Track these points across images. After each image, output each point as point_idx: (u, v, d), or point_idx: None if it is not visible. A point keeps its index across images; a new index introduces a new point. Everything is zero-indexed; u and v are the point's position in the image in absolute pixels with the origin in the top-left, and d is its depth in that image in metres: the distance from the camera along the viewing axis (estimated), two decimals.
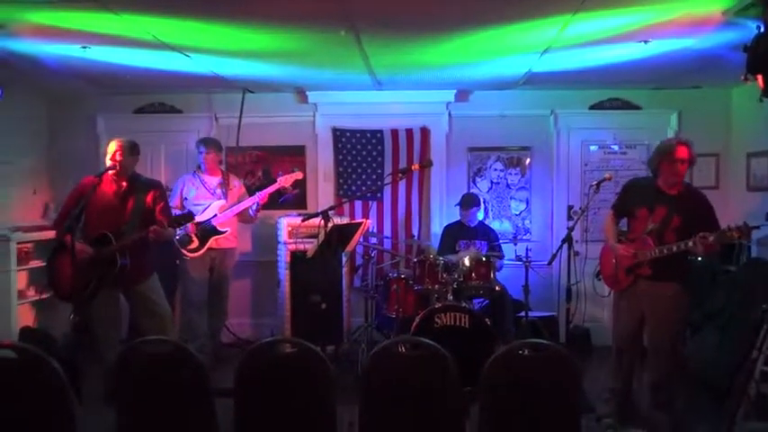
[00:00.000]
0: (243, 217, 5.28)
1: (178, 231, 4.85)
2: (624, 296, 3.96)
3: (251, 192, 5.42)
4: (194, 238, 4.99)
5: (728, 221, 3.63)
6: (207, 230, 5.02)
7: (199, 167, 5.29)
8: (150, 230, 3.97)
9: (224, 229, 5.09)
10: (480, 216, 5.69)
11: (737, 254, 5.08)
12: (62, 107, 6.13)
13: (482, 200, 5.78)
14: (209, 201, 5.11)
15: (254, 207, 5.20)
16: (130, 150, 4.16)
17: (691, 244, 3.54)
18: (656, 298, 3.76)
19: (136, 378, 2.69)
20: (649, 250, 3.73)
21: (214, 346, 5.31)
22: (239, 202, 5.19)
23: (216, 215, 5.05)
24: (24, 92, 5.59)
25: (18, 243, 5.20)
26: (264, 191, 5.18)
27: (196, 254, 5.04)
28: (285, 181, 5.25)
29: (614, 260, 3.95)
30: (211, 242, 5.06)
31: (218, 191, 5.20)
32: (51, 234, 4.46)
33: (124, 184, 4.17)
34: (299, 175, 5.35)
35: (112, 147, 4.13)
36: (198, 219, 4.91)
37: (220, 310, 5.39)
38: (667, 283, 3.75)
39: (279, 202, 5.64)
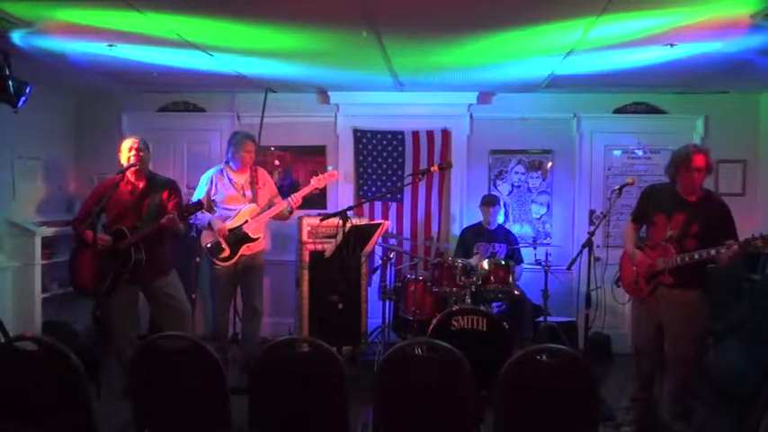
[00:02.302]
0: (277, 216, 4.97)
1: (209, 241, 4.79)
2: (643, 303, 3.91)
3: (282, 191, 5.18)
4: (225, 246, 4.75)
5: (754, 229, 3.56)
6: (239, 238, 4.76)
7: (227, 163, 4.95)
8: (164, 219, 4.01)
9: (256, 236, 4.83)
10: (500, 219, 5.66)
11: (762, 263, 4.98)
12: (88, 105, 6.23)
13: (502, 203, 5.75)
14: (240, 205, 4.83)
15: (289, 209, 4.90)
16: (146, 146, 4.23)
17: (714, 252, 3.48)
18: (675, 305, 3.71)
19: (152, 373, 2.72)
20: (672, 258, 3.67)
21: (248, 350, 5.01)
22: (270, 205, 4.90)
23: (247, 221, 4.78)
24: (52, 89, 5.69)
25: (43, 237, 5.29)
26: (298, 193, 4.88)
27: (228, 263, 4.78)
28: (319, 182, 4.93)
29: (634, 268, 3.91)
30: (243, 248, 4.81)
31: (248, 192, 4.90)
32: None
33: (141, 183, 4.23)
34: (334, 175, 5.01)
35: (129, 144, 4.17)
36: (229, 225, 4.76)
37: (253, 313, 5.08)
38: (686, 290, 3.69)
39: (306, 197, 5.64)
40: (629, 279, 3.96)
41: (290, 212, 4.98)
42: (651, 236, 3.93)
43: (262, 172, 5.09)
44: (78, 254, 4.18)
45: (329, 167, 5.09)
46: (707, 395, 4.36)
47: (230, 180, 4.91)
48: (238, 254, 4.80)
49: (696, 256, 3.56)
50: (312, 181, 4.93)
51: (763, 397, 3.51)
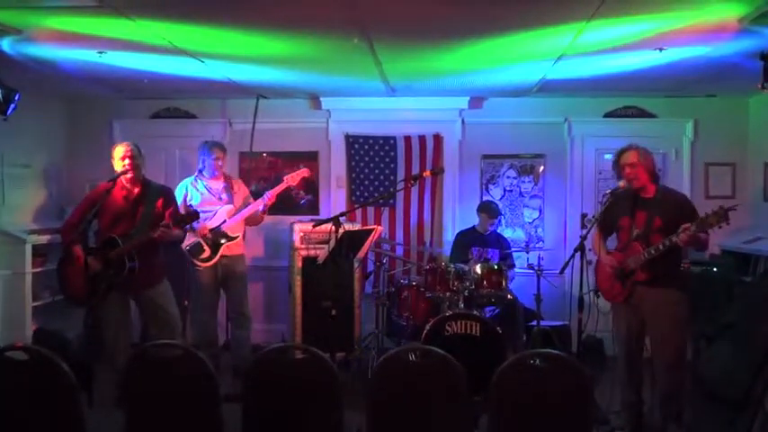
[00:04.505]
0: (250, 219, 5.11)
1: (189, 242, 4.81)
2: (623, 307, 3.91)
3: (259, 194, 5.26)
4: (206, 247, 4.84)
5: (744, 232, 3.58)
6: (218, 237, 4.87)
7: (200, 172, 5.06)
8: (156, 233, 3.99)
9: (234, 235, 4.94)
10: None
11: (754, 264, 5.01)
12: (79, 112, 6.20)
13: None
14: (217, 207, 4.94)
15: (262, 207, 5.02)
16: (139, 152, 4.20)
17: (675, 239, 3.53)
18: (656, 305, 3.73)
19: (145, 382, 2.70)
20: (639, 255, 3.72)
21: (240, 356, 5.05)
22: (246, 206, 5.03)
23: (225, 221, 4.90)
24: (42, 96, 5.66)
25: (34, 246, 5.25)
26: (272, 191, 4.99)
27: (209, 263, 4.86)
28: (291, 179, 5.08)
29: (609, 270, 3.92)
30: (223, 249, 4.90)
31: (224, 195, 5.03)
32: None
33: (136, 189, 4.20)
34: (304, 172, 5.15)
35: (121, 150, 4.13)
36: (209, 225, 4.84)
37: (243, 319, 5.15)
38: (665, 289, 3.72)
39: (300, 203, 5.62)
40: (606, 285, 3.97)
41: (264, 212, 5.07)
42: (620, 240, 3.97)
43: (236, 180, 5.29)
44: (67, 263, 4.13)
45: (300, 166, 5.27)
46: (698, 397, 4.37)
47: (205, 186, 5.04)
48: (219, 254, 4.89)
49: (660, 247, 3.61)
50: (284, 179, 5.07)
51: (754, 399, 3.53)
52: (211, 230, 4.85)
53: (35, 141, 5.74)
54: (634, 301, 3.83)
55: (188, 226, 4.72)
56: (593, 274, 4.23)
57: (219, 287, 5.08)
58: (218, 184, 5.06)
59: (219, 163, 5.03)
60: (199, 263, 4.88)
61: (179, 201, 4.89)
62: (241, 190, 5.20)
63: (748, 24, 3.42)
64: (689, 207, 3.76)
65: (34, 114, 5.51)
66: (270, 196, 4.97)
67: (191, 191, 5.02)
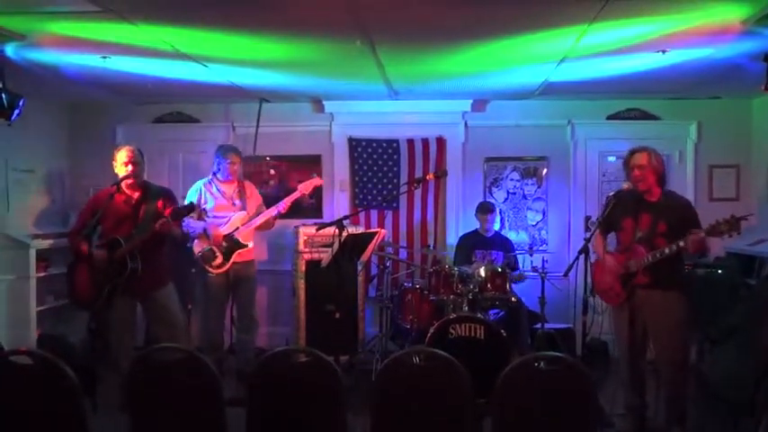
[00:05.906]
0: (261, 225, 5.06)
1: (201, 248, 4.83)
2: (623, 308, 3.90)
3: (267, 200, 5.29)
4: (218, 254, 4.82)
5: (748, 234, 3.57)
6: (231, 244, 4.84)
7: (214, 174, 5.06)
8: (157, 224, 3.98)
9: (247, 243, 4.90)
10: (497, 226, 5.67)
11: (759, 267, 4.99)
12: (83, 116, 6.22)
13: (498, 209, 5.76)
14: (231, 213, 4.92)
15: (275, 214, 5.02)
16: (141, 155, 4.22)
17: (682, 244, 3.52)
18: (657, 308, 3.72)
19: (149, 385, 2.70)
20: (642, 258, 3.70)
21: (244, 359, 5.08)
22: (258, 213, 5.01)
23: (238, 228, 4.87)
24: (46, 101, 5.68)
25: (38, 250, 5.27)
26: (286, 200, 4.98)
27: (221, 270, 4.85)
28: (305, 188, 5.07)
29: (612, 275, 3.90)
30: (234, 255, 4.86)
31: (237, 201, 5.01)
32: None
33: (136, 194, 4.21)
34: (318, 182, 5.16)
35: (124, 155, 4.15)
36: (223, 231, 4.83)
37: (251, 323, 5.15)
38: (666, 291, 3.71)
39: (303, 207, 5.64)
40: (605, 286, 3.96)
41: (275, 218, 5.07)
42: (621, 240, 3.96)
43: (248, 184, 5.24)
44: (75, 267, 4.15)
45: (313, 175, 5.25)
46: (702, 400, 4.36)
47: (219, 190, 5.02)
48: (231, 261, 4.87)
49: (666, 251, 3.60)
50: (298, 188, 5.06)
51: (759, 402, 3.51)
52: (225, 237, 4.84)
53: (39, 146, 5.77)
54: (635, 304, 3.82)
55: (201, 231, 4.77)
56: None
57: (229, 293, 5.07)
58: (232, 188, 5.05)
59: (235, 167, 5.03)
60: (212, 270, 4.86)
61: (194, 202, 4.85)
62: (254, 196, 5.16)
63: (752, 26, 3.42)
64: (691, 213, 3.76)
65: (38, 119, 5.53)
66: (284, 205, 4.96)
67: (204, 194, 5.00)
